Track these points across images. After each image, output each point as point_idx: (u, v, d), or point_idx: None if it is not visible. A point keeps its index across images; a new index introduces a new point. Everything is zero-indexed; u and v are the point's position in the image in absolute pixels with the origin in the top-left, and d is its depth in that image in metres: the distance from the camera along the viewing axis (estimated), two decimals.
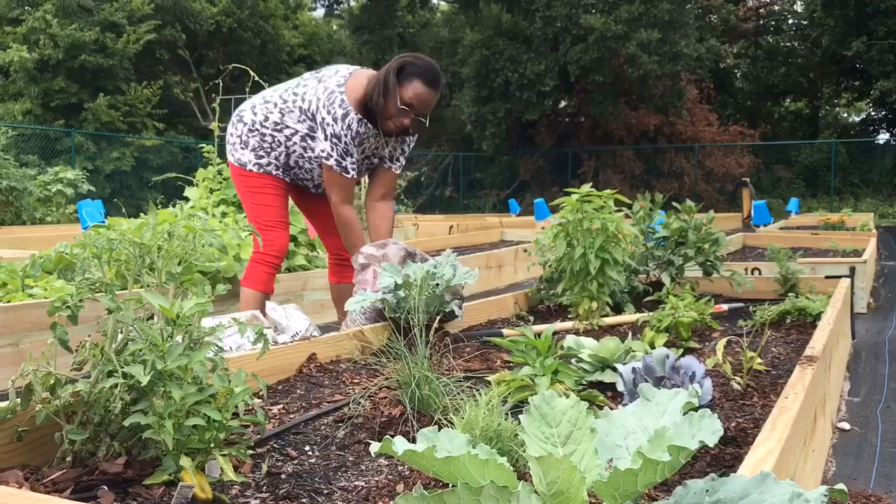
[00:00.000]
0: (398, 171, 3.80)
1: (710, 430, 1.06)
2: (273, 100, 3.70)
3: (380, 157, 3.74)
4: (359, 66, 3.70)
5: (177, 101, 25.69)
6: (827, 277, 4.34)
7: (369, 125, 3.52)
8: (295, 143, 3.68)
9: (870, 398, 3.08)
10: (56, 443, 1.68)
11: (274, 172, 3.73)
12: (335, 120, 3.44)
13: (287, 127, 3.65)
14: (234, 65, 6.58)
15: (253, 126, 3.71)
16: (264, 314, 3.22)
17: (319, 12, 32.39)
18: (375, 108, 3.44)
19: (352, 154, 3.49)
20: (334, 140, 3.46)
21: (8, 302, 3.58)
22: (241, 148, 3.74)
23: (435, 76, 3.46)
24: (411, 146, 3.81)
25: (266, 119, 3.69)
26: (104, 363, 1.69)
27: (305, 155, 3.69)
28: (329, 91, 3.48)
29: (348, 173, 3.51)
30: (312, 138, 3.62)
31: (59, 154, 19.28)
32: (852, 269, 4.71)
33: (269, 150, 3.71)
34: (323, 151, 3.52)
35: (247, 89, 6.54)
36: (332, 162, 3.48)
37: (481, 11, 23.82)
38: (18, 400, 1.66)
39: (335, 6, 30.08)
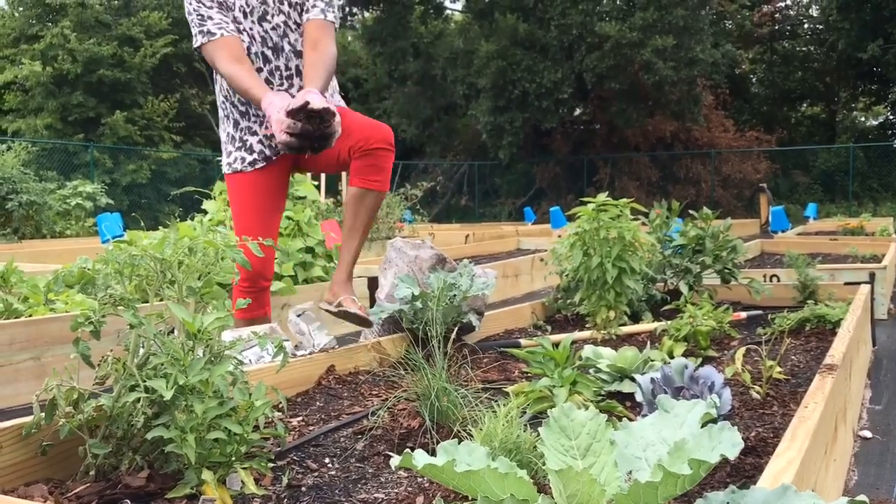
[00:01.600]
0: (322, 18, 3.10)
1: (730, 442, 1.06)
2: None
3: (285, 17, 3.09)
4: None
5: (193, 113, 25.92)
6: (846, 284, 4.31)
7: None
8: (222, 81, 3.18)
9: (891, 406, 3.05)
10: (79, 457, 1.70)
11: (237, 165, 3.21)
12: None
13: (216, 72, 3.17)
14: None
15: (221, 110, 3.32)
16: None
17: None
18: None
19: (210, 17, 2.95)
20: (189, 19, 3.00)
21: (30, 316, 3.62)
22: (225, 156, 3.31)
23: None
24: None
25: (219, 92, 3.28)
26: (126, 378, 1.71)
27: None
28: None
29: (214, 35, 2.94)
30: None
31: (77, 168, 19.48)
32: (872, 275, 4.68)
33: (225, 125, 3.26)
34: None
35: None
36: (196, 41, 2.98)
37: (496, 21, 23.84)
38: (42, 415, 1.69)
39: (349, 17, 30.19)
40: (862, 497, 1.05)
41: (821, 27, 28.61)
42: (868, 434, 2.70)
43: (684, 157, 24.94)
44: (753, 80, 31.22)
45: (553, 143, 26.10)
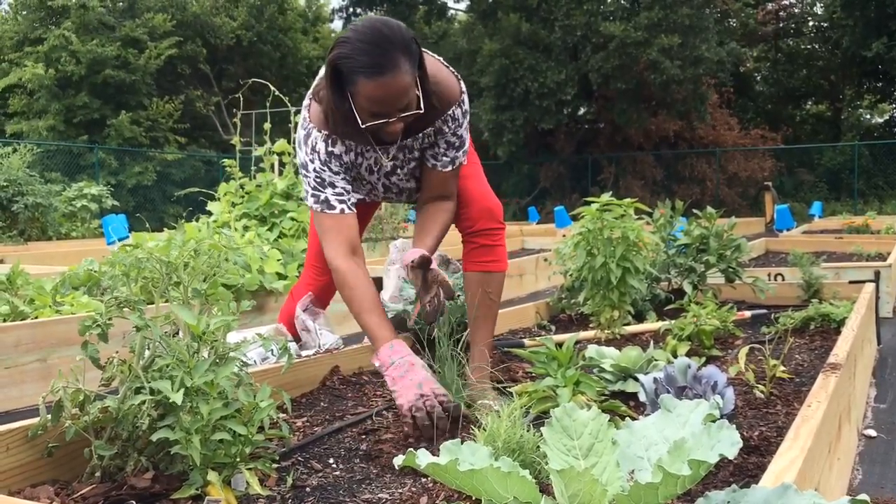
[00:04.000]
0: (451, 169, 2.61)
1: (728, 441, 1.06)
2: None
3: (415, 164, 2.66)
4: None
5: (198, 115, 25.98)
6: (851, 282, 4.31)
7: (346, 141, 2.50)
8: None
9: None
10: (85, 458, 1.71)
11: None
12: (299, 146, 2.55)
13: None
14: (253, 79, 6.64)
15: None
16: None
17: (338, 24, 32.61)
18: (341, 125, 2.43)
19: (332, 183, 2.48)
20: (303, 172, 2.54)
21: (36, 318, 3.63)
22: None
23: (383, 56, 2.19)
24: (458, 131, 2.57)
25: None
26: (132, 379, 1.72)
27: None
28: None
29: (333, 208, 2.47)
30: None
31: (82, 170, 19.53)
32: (877, 274, 4.67)
33: None
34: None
35: (267, 103, 6.62)
36: (309, 201, 2.52)
37: (500, 21, 23.84)
38: (49, 416, 1.70)
39: (353, 18, 30.22)
40: (863, 496, 1.05)
41: (825, 25, 28.54)
42: (873, 433, 2.69)
43: (689, 156, 24.91)
44: (758, 78, 31.16)
45: (557, 142, 26.08)
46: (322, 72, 2.47)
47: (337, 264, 2.43)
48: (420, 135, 2.53)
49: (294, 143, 2.57)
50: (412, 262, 2.36)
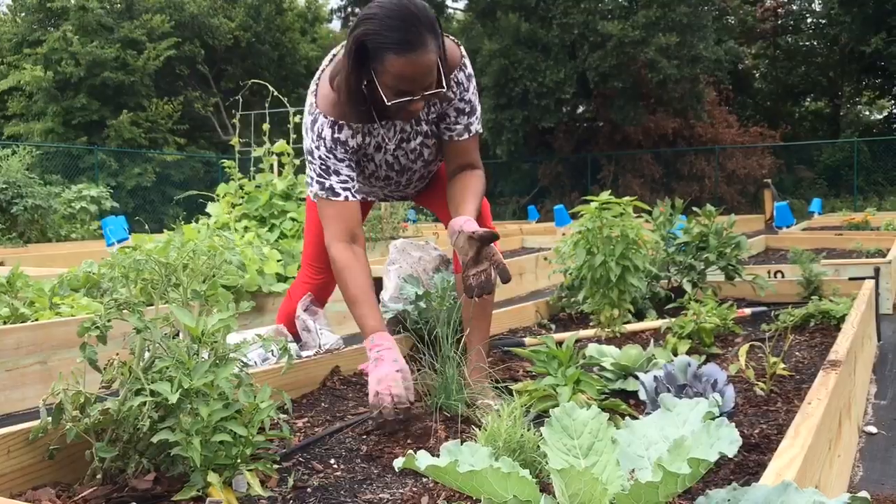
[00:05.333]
0: (467, 136, 2.58)
1: (728, 440, 1.06)
2: None
3: (423, 138, 2.62)
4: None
5: (197, 115, 26.01)
6: (851, 279, 4.31)
7: (352, 125, 2.48)
8: None
9: None
10: (86, 460, 1.71)
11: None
12: (305, 132, 2.55)
13: None
14: (252, 80, 6.64)
15: None
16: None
17: (336, 24, 32.61)
18: (357, 102, 2.38)
19: (337, 171, 2.47)
20: (309, 158, 2.53)
21: (36, 320, 3.63)
22: None
23: (411, 32, 2.18)
24: (465, 96, 2.54)
25: None
26: (132, 381, 1.72)
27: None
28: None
29: (337, 195, 2.47)
30: None
31: (82, 171, 19.53)
32: (877, 270, 4.66)
33: None
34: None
35: (266, 104, 6.62)
36: (314, 187, 2.52)
37: (499, 21, 23.86)
38: (49, 419, 1.70)
39: (352, 18, 30.22)
40: (863, 493, 1.05)
41: (823, 21, 28.54)
42: (873, 429, 2.69)
43: (688, 154, 24.92)
44: (757, 75, 31.17)
45: (556, 141, 26.10)
46: (331, 56, 2.49)
47: (335, 251, 2.44)
48: (434, 103, 2.50)
49: (303, 129, 2.58)
50: (474, 233, 2.26)
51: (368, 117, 2.45)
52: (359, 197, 2.52)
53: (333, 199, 2.47)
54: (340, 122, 2.45)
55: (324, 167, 2.47)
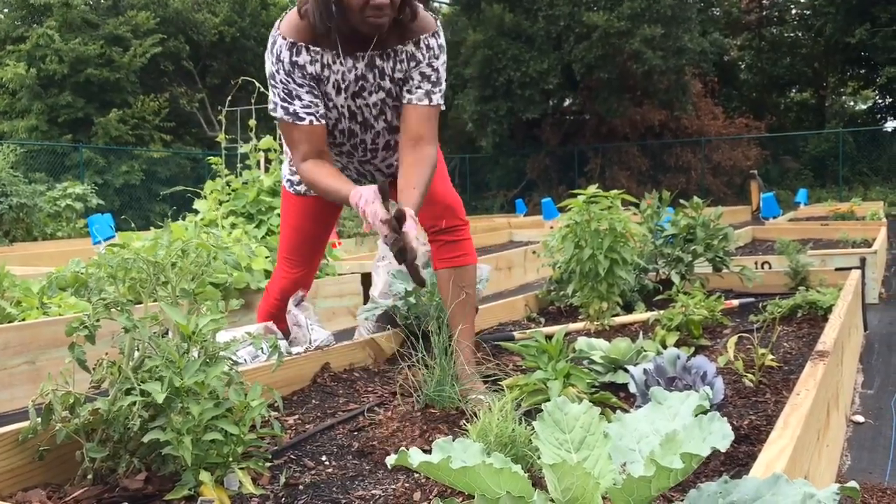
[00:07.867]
0: (427, 103, 2.57)
1: (720, 434, 1.07)
2: None
3: (385, 95, 2.62)
4: None
5: (183, 112, 25.85)
6: (837, 269, 4.34)
7: (315, 49, 2.49)
8: None
9: (883, 390, 3.07)
10: (77, 461, 1.71)
11: (300, 188, 2.97)
12: (267, 56, 2.56)
13: None
14: (242, 78, 6.60)
15: None
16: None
17: None
18: (325, 15, 2.40)
19: (299, 96, 2.50)
20: (271, 83, 2.55)
21: (23, 320, 3.61)
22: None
23: None
24: (433, 63, 2.58)
25: None
26: (122, 381, 1.71)
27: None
28: None
29: (302, 120, 2.50)
30: None
31: (68, 169, 19.40)
32: (863, 260, 4.70)
33: None
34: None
35: (252, 99, 6.59)
36: (278, 112, 2.53)
37: (483, 12, 23.84)
38: (39, 419, 1.69)
39: None
40: (852, 483, 1.06)
41: (808, 13, 28.67)
42: (860, 419, 2.72)
43: (674, 146, 25.00)
44: (742, 66, 31.27)
45: (543, 133, 26.12)
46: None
47: (305, 168, 2.51)
48: (392, 52, 2.54)
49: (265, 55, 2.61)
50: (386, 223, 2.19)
51: (333, 44, 2.49)
52: (322, 122, 2.56)
53: (298, 123, 2.51)
54: (299, 44, 2.48)
55: (286, 91, 2.51)
